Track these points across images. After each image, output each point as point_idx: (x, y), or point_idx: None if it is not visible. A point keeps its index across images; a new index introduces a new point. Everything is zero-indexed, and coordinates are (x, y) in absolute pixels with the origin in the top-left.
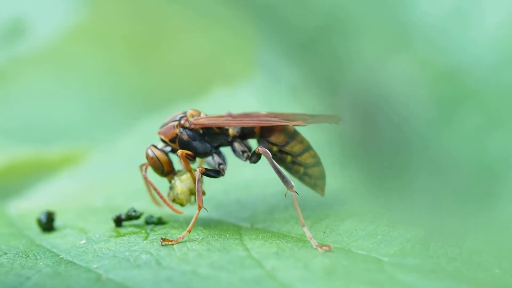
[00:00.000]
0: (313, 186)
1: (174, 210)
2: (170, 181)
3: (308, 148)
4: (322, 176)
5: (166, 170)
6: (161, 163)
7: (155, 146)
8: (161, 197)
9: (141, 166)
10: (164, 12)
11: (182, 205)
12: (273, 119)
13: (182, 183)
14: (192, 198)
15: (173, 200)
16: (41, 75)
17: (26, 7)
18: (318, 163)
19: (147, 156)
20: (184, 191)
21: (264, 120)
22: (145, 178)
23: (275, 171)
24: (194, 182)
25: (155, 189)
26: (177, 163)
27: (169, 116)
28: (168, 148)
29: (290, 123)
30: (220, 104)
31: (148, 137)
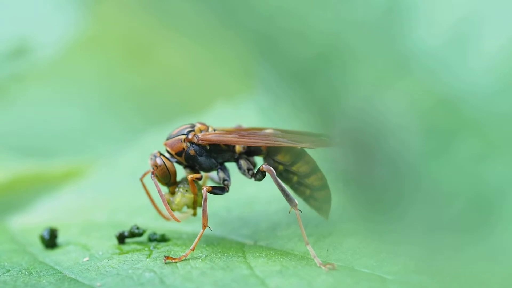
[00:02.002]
0: (318, 209)
1: (174, 218)
2: (171, 191)
3: (315, 169)
4: (328, 200)
5: (172, 180)
6: (169, 173)
7: (163, 155)
8: (165, 205)
9: (142, 178)
10: (162, 23)
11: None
12: (281, 139)
13: (184, 198)
14: (184, 208)
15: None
16: (41, 88)
17: (28, 24)
18: (324, 186)
19: (155, 164)
20: (180, 205)
21: (272, 141)
22: (154, 180)
23: (279, 189)
24: (194, 201)
25: (161, 196)
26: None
27: (175, 127)
28: (174, 160)
29: (298, 145)
30: (222, 119)
31: (150, 152)
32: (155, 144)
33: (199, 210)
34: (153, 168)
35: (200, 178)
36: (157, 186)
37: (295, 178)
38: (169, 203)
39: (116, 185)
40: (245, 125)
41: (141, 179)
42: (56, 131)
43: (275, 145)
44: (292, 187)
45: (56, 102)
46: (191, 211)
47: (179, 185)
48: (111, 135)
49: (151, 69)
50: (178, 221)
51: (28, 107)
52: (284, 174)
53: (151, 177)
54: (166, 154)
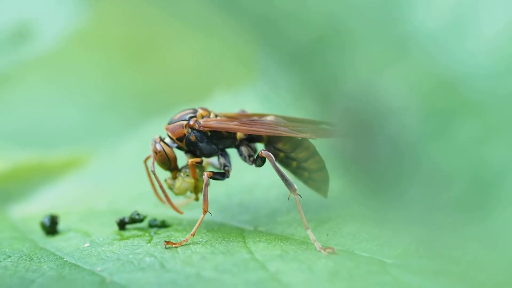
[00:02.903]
0: (317, 189)
1: (176, 210)
2: (173, 176)
3: (313, 154)
4: (326, 181)
5: (172, 166)
6: (169, 159)
7: (162, 140)
8: (166, 195)
9: (145, 160)
10: (162, 18)
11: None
12: (283, 129)
13: (184, 182)
14: (188, 193)
15: (167, 186)
16: (41, 79)
17: (30, 12)
18: (322, 168)
19: (155, 150)
20: (181, 190)
21: (274, 130)
22: (154, 174)
23: (279, 175)
24: (195, 186)
25: (160, 186)
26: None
27: (177, 112)
28: (174, 144)
29: (299, 135)
30: (223, 107)
31: (150, 140)
32: (155, 134)
33: (201, 196)
34: (153, 154)
35: (200, 163)
36: (158, 181)
37: (294, 163)
38: (170, 188)
39: (117, 174)
40: (247, 110)
41: (144, 162)
42: (57, 127)
43: (276, 134)
44: (291, 171)
45: (57, 97)
46: (193, 196)
47: (180, 170)
48: (111, 130)
49: (152, 63)
50: (181, 212)
51: (29, 103)
52: (285, 160)
53: (151, 170)
54: (167, 139)
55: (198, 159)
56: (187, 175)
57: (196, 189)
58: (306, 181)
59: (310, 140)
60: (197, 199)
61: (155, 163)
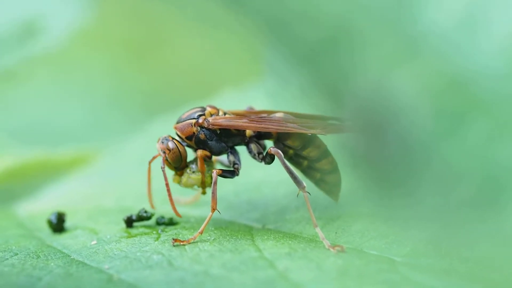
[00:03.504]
0: (328, 192)
1: (175, 212)
2: (179, 175)
3: (325, 154)
4: (338, 183)
5: (183, 164)
6: (181, 157)
7: (175, 139)
8: (169, 196)
9: (151, 161)
10: (167, 15)
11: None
12: (292, 125)
13: (190, 179)
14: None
15: (173, 180)
16: (48, 77)
17: (36, 8)
18: (335, 169)
19: (168, 148)
20: (187, 185)
21: (283, 126)
22: (163, 171)
23: (287, 172)
24: (203, 181)
25: (167, 184)
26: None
27: (185, 111)
28: (184, 143)
29: (309, 131)
30: (231, 104)
31: (157, 139)
32: (162, 132)
33: (208, 190)
34: (164, 152)
35: (210, 156)
36: (165, 179)
37: (305, 163)
38: (178, 182)
39: (124, 172)
40: (255, 108)
41: (149, 163)
42: (63, 124)
43: (286, 131)
44: (302, 171)
45: (64, 95)
46: (200, 190)
47: (187, 166)
48: (117, 128)
49: (157, 61)
50: (179, 216)
51: (35, 101)
52: (295, 159)
53: (161, 167)
54: (176, 138)
55: (207, 153)
56: (194, 172)
57: (203, 184)
58: (317, 182)
59: (321, 137)
60: (204, 192)
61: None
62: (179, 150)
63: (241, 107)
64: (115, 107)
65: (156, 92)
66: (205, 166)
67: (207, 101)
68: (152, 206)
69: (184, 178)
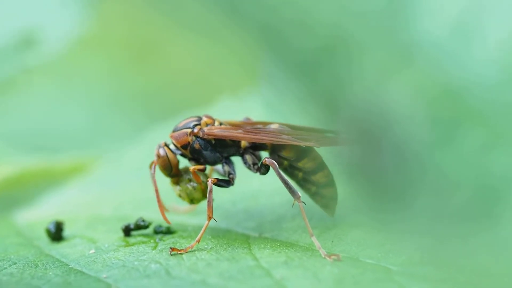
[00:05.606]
0: (324, 206)
1: (164, 218)
2: (174, 183)
3: (321, 166)
4: (334, 197)
5: (174, 172)
6: (170, 165)
7: (167, 146)
8: (158, 201)
9: (150, 165)
10: (167, 21)
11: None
12: (286, 137)
13: (193, 193)
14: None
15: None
16: (47, 84)
17: (34, 18)
18: (331, 183)
19: (158, 155)
20: (183, 197)
21: (277, 138)
22: (152, 176)
23: (282, 182)
24: (198, 193)
25: (155, 190)
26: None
27: (182, 120)
28: (179, 151)
29: (303, 144)
30: (228, 113)
31: (155, 146)
32: (160, 140)
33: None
34: (156, 158)
35: (203, 170)
36: (155, 185)
37: (300, 174)
38: (180, 195)
39: (122, 180)
40: (251, 118)
41: (150, 166)
42: (62, 130)
43: (280, 143)
44: (297, 183)
45: (63, 102)
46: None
47: (183, 176)
48: (117, 133)
49: (157, 66)
50: (169, 222)
51: (35, 108)
52: (290, 170)
53: (150, 174)
54: (172, 146)
55: (201, 166)
56: (189, 181)
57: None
58: (313, 196)
59: (317, 150)
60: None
61: (157, 168)
62: (168, 157)
63: (238, 116)
64: (115, 112)
65: (156, 97)
66: (200, 176)
67: (204, 109)
68: (167, 222)
69: (184, 193)
